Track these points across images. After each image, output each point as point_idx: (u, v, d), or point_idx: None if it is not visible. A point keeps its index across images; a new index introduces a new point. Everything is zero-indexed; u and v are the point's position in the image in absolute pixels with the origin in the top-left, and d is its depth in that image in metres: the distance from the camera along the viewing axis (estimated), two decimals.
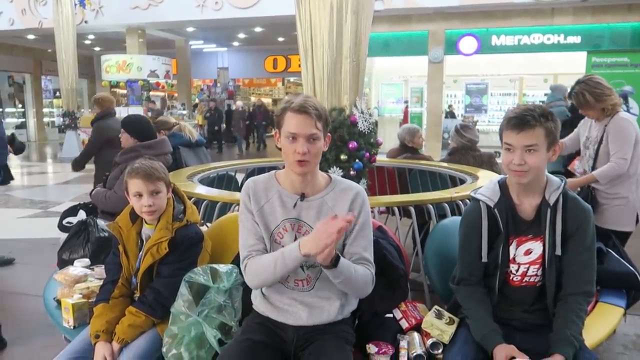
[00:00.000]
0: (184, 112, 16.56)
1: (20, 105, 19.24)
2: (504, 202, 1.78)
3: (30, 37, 16.45)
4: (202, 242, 2.07)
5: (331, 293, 1.74)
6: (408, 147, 4.48)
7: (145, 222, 2.04)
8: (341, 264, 1.58)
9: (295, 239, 1.71)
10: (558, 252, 1.73)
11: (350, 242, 1.72)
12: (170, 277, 1.93)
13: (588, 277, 1.74)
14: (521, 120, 1.66)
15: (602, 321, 2.04)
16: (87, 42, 17.82)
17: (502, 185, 1.81)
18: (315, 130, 1.64)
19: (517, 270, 1.79)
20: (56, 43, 12.46)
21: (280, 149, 1.71)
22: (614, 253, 2.42)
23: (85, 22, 13.03)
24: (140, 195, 1.97)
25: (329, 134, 1.73)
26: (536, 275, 1.78)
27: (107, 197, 3.20)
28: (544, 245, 1.75)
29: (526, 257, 1.78)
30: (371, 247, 1.75)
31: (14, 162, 11.32)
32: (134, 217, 2.06)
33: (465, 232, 1.85)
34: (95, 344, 1.86)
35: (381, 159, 3.84)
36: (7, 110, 18.78)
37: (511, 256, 1.78)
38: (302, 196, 1.73)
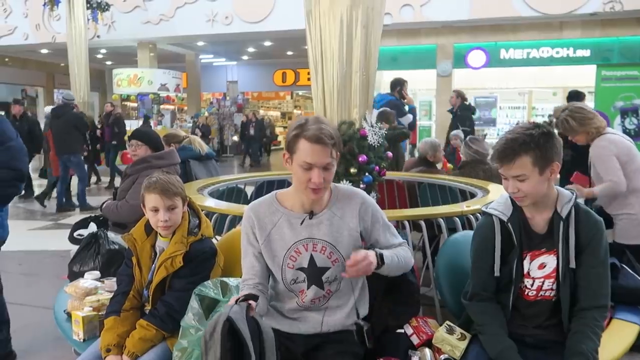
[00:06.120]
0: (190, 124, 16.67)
1: None
2: (517, 216, 1.77)
3: (44, 51, 16.73)
4: (215, 256, 2.06)
5: (343, 301, 1.78)
6: (428, 161, 4.47)
7: (160, 235, 2.05)
8: (386, 258, 1.68)
9: (312, 258, 1.72)
10: (572, 265, 1.72)
11: (377, 237, 1.80)
12: (183, 291, 1.93)
13: (603, 291, 1.72)
14: (502, 153, 1.67)
15: (616, 338, 2.00)
16: (99, 56, 18.09)
17: (514, 199, 1.80)
18: (330, 159, 1.63)
19: (532, 285, 1.77)
20: (69, 57, 12.62)
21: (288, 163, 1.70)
22: (628, 269, 2.38)
23: (98, 36, 13.22)
24: (156, 210, 1.97)
25: (338, 152, 1.73)
26: (551, 289, 1.76)
27: (119, 207, 3.18)
28: (557, 259, 1.74)
29: (540, 271, 1.76)
30: (394, 229, 1.85)
31: None
32: (149, 229, 2.06)
33: (478, 247, 1.84)
34: (105, 357, 1.86)
35: (391, 172, 3.83)
36: None
37: (525, 270, 1.77)
38: (311, 214, 1.73)
